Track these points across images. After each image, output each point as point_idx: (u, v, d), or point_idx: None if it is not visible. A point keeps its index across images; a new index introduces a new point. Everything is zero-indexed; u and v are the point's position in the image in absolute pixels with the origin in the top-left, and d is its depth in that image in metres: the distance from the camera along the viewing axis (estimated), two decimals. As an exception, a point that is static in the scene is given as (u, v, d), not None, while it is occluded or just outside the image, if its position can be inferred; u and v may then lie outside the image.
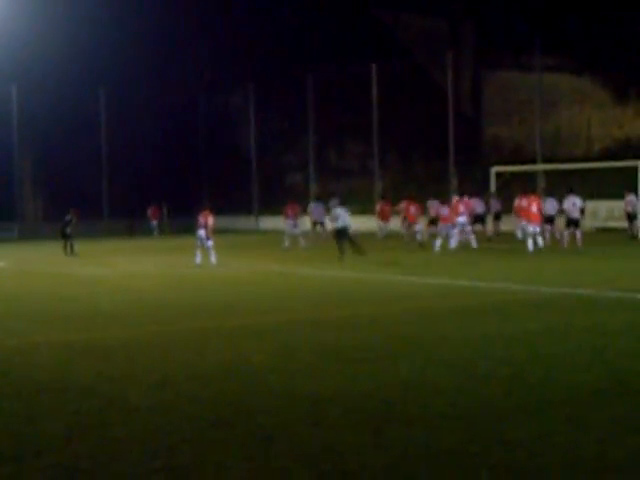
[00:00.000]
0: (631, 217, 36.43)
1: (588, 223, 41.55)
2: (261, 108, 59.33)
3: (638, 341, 12.01)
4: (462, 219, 32.45)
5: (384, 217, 39.13)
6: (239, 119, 63.34)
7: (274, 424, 7.98)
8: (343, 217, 29.73)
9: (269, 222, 46.95)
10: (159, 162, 60.35)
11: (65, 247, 33.94)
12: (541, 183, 43.53)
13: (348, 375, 10.03)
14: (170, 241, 43.65)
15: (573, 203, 31.88)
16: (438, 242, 30.79)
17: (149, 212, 52.25)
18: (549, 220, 32.90)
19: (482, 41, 54.80)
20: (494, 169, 42.34)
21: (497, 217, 39.07)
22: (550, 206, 32.87)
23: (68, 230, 34.13)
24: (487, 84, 56.32)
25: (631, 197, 36.44)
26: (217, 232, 37.21)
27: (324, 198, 38.36)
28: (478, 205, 37.37)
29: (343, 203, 31.50)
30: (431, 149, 52.16)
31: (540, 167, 44.41)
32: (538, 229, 30.04)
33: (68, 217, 34.49)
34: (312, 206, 37.97)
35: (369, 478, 6.46)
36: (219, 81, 61.90)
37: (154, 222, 51.86)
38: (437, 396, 8.88)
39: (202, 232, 26.56)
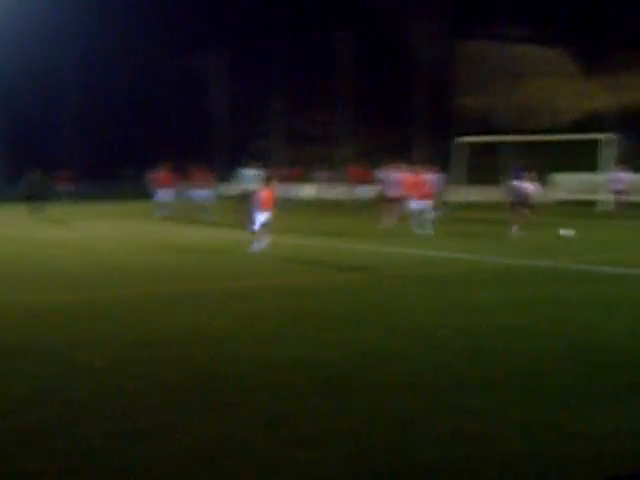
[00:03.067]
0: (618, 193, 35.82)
1: (553, 195, 41.80)
2: (228, 73, 58.93)
3: (598, 313, 12.14)
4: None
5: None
6: (206, 84, 62.90)
7: (235, 389, 8.00)
8: (249, 180, 28.85)
9: (234, 189, 46.49)
10: (128, 124, 59.92)
11: (34, 209, 33.83)
12: (508, 154, 43.70)
13: (311, 342, 10.07)
14: (130, 205, 43.42)
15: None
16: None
17: (58, 176, 50.95)
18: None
19: (453, 10, 54.69)
20: (461, 139, 42.38)
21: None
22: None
23: (30, 192, 34.04)
24: (457, 53, 56.29)
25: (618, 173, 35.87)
26: (179, 199, 37.06)
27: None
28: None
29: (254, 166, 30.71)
30: (399, 117, 52.16)
31: (508, 138, 44.52)
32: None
33: (28, 177, 34.42)
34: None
35: (328, 444, 6.50)
36: (187, 44, 61.43)
37: (62, 188, 50.52)
38: (399, 364, 8.95)
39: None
